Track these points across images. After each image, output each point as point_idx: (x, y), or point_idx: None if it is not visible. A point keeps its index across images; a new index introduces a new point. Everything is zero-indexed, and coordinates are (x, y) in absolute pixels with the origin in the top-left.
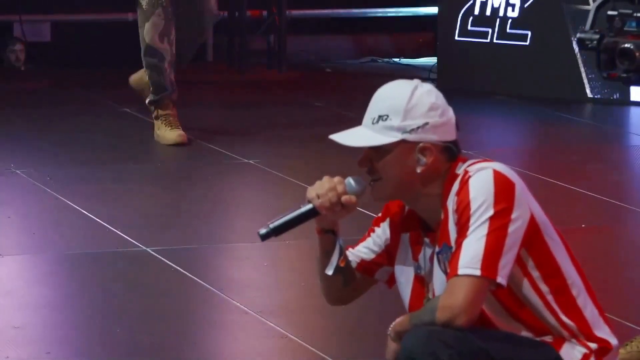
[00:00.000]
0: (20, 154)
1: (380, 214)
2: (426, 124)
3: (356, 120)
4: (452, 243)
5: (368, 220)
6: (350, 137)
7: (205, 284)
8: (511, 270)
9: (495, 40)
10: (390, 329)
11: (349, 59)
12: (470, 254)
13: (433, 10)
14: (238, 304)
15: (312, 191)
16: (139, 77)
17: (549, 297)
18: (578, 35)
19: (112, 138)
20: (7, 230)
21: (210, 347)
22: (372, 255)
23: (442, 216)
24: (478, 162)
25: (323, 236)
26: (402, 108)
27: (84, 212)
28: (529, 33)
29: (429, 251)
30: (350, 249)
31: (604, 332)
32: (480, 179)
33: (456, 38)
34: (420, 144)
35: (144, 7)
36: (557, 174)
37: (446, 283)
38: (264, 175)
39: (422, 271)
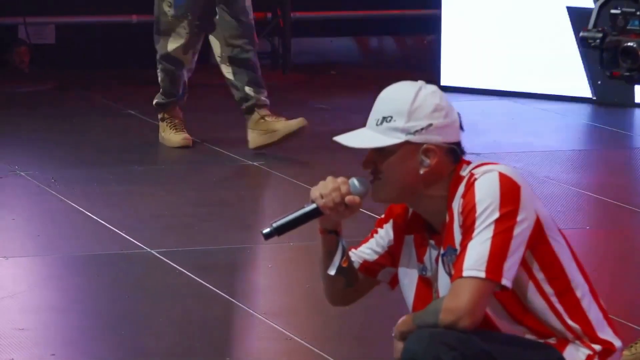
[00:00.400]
0: (24, 156)
1: (383, 215)
2: (430, 125)
3: (360, 122)
4: (457, 245)
5: (371, 221)
6: (354, 139)
7: (209, 286)
8: (516, 272)
9: (496, 40)
10: (394, 329)
11: (353, 60)
12: (475, 256)
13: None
14: (243, 306)
15: (316, 191)
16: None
17: (554, 299)
18: (581, 33)
19: (116, 140)
20: (11, 233)
21: (215, 349)
22: (375, 257)
23: (447, 218)
24: (483, 164)
25: (326, 236)
26: (406, 109)
27: (88, 214)
28: (533, 34)
29: (434, 253)
30: (353, 250)
31: (607, 334)
32: (486, 181)
33: (460, 39)
34: (424, 146)
35: (169, 17)
36: (561, 176)
37: (450, 285)
38: (268, 177)
39: (427, 273)
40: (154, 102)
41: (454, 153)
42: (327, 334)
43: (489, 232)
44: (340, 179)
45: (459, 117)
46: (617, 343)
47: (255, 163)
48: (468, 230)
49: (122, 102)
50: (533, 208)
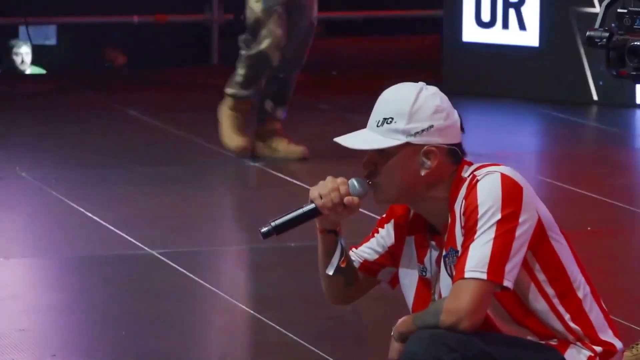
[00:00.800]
0: (26, 157)
1: (384, 215)
2: (431, 126)
3: (361, 123)
4: (459, 247)
5: (371, 221)
6: (354, 140)
7: (210, 286)
8: (518, 273)
9: (501, 43)
10: (393, 329)
11: (354, 61)
12: (477, 258)
13: (438, 12)
14: (244, 307)
15: (315, 191)
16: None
17: (555, 301)
18: (587, 33)
19: (118, 141)
20: (12, 233)
21: (216, 350)
22: (376, 256)
23: (449, 220)
24: (485, 165)
25: (325, 236)
26: (407, 111)
27: (90, 215)
28: (536, 36)
29: (435, 254)
30: (353, 249)
31: (608, 335)
32: (488, 183)
33: (462, 40)
34: (425, 147)
35: (259, 12)
36: (562, 177)
37: (452, 286)
38: (270, 178)
39: (428, 274)
40: (228, 92)
41: (455, 154)
42: (328, 335)
43: (491, 234)
44: (340, 180)
45: (460, 119)
46: (618, 344)
47: (256, 164)
48: (470, 232)
49: (123, 102)
50: (535, 209)
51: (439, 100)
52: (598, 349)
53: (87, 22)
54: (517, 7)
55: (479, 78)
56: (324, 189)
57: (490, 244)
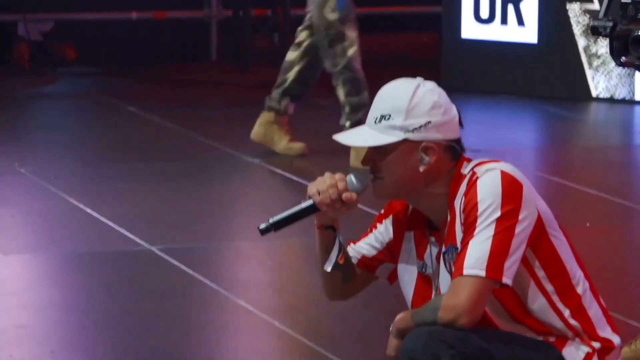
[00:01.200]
0: (24, 153)
1: (382, 211)
2: (429, 122)
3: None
4: (458, 243)
5: (369, 217)
6: (353, 137)
7: (209, 282)
8: (517, 270)
9: (499, 39)
10: (391, 325)
11: None
12: (476, 255)
13: (437, 9)
14: (243, 303)
15: (313, 187)
16: (262, 132)
17: (555, 297)
18: (591, 23)
19: (117, 137)
20: (11, 230)
21: (214, 347)
22: (374, 252)
23: (449, 216)
24: (485, 162)
25: (323, 232)
26: (405, 107)
27: (88, 211)
28: (534, 32)
29: (435, 250)
30: (351, 245)
31: (607, 331)
32: (488, 180)
33: (461, 36)
34: (423, 143)
35: (336, 22)
36: (561, 173)
37: (450, 282)
38: (268, 174)
39: (427, 270)
40: (347, 125)
41: (454, 150)
42: (326, 331)
43: (490, 231)
44: (338, 176)
45: (459, 114)
46: (616, 340)
47: (255, 160)
48: (469, 229)
49: (122, 98)
50: (535, 206)
51: (436, 95)
52: (596, 344)
53: (85, 18)
54: (516, 3)
55: (477, 74)
56: (322, 185)
57: (490, 241)
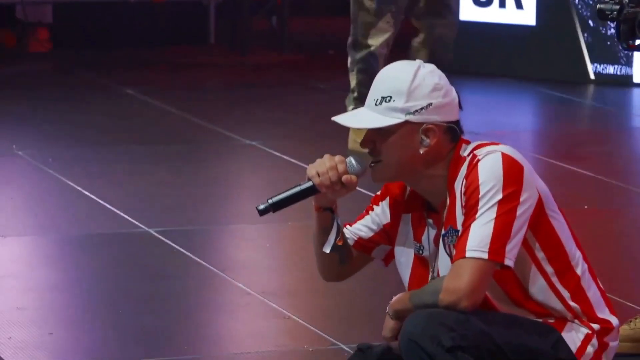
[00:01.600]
0: (22, 136)
1: (379, 193)
2: (430, 104)
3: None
4: (459, 226)
5: (366, 199)
6: (353, 119)
7: (207, 264)
8: (518, 252)
9: (498, 22)
10: (388, 306)
11: None
12: (478, 237)
13: None
14: (240, 285)
15: (313, 169)
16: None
17: (554, 279)
18: (598, 6)
19: (115, 119)
20: (9, 212)
21: (212, 328)
22: (370, 234)
23: (448, 199)
24: (484, 144)
25: (321, 214)
26: (405, 89)
27: (86, 193)
28: (533, 14)
29: (432, 232)
30: (347, 226)
31: (605, 312)
32: (489, 162)
33: (460, 19)
34: (424, 125)
35: (371, 11)
36: (559, 155)
37: (451, 265)
38: (266, 157)
39: (424, 252)
40: (350, 108)
41: (454, 132)
42: (325, 313)
43: (492, 213)
44: (338, 158)
45: (458, 95)
46: (615, 321)
47: (253, 142)
48: (471, 211)
49: (120, 81)
50: (535, 188)
51: (437, 78)
52: (595, 326)
53: (84, 1)
54: None
55: (475, 57)
56: (322, 167)
57: (492, 223)
